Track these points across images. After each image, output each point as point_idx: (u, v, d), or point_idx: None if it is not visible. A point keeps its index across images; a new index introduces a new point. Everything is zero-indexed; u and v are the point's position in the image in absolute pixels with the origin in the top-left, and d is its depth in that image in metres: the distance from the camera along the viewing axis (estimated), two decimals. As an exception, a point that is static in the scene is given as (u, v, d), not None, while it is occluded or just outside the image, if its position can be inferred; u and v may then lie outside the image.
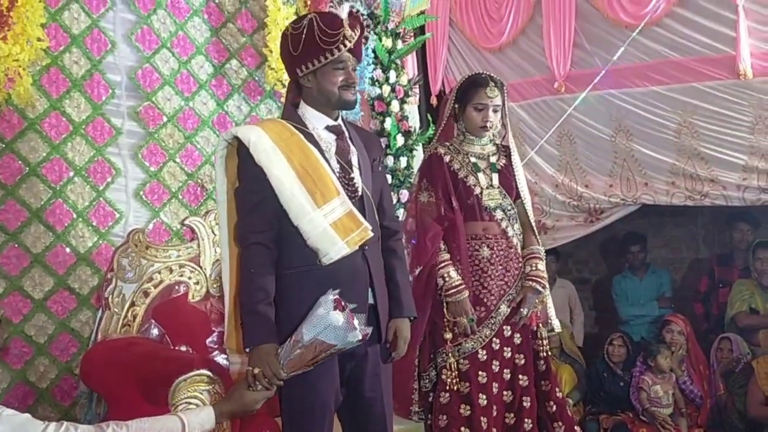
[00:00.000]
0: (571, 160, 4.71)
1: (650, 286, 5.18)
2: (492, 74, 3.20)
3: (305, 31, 2.33)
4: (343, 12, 2.38)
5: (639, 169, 4.41)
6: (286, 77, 3.89)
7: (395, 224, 2.64)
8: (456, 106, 3.18)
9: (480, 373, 3.04)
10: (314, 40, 2.32)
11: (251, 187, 2.32)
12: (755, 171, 3.95)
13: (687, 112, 4.13)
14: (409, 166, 4.49)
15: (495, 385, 3.06)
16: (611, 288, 5.33)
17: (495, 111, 3.12)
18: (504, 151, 3.26)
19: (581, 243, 5.28)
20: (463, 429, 2.99)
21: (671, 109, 4.18)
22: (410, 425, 3.10)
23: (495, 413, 3.05)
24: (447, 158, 3.16)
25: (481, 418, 3.00)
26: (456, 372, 3.02)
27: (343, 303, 2.22)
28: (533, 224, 3.26)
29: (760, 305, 4.51)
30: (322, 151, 2.39)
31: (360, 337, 2.23)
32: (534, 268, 3.14)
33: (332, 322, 2.19)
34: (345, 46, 2.34)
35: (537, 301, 3.15)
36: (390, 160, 4.40)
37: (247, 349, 2.27)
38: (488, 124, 3.11)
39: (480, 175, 3.15)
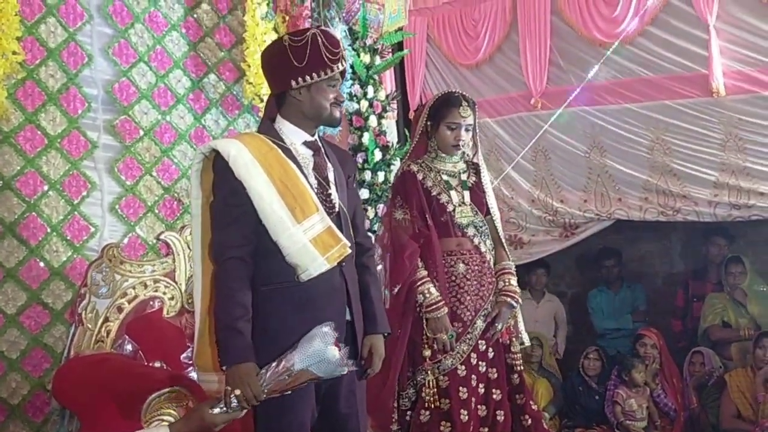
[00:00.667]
0: (546, 175, 4.76)
1: (625, 300, 5.23)
2: (464, 93, 3.23)
3: (310, 44, 2.34)
4: (338, 32, 2.41)
5: (613, 184, 4.47)
6: (264, 92, 3.95)
7: (368, 241, 2.65)
8: (429, 123, 3.20)
9: (460, 388, 3.05)
10: (319, 54, 2.33)
11: (229, 201, 2.30)
12: (726, 187, 4.02)
13: (659, 129, 4.19)
14: (386, 181, 4.50)
15: (473, 399, 3.07)
16: (587, 302, 5.38)
17: (467, 130, 3.15)
18: (473, 168, 3.30)
19: (558, 257, 5.32)
20: None
21: (644, 126, 4.25)
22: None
23: (471, 429, 3.06)
24: (420, 176, 3.18)
25: None
26: (436, 389, 3.02)
27: (336, 337, 2.22)
28: (503, 240, 3.30)
29: (732, 319, 4.57)
30: (300, 167, 2.39)
31: (345, 372, 2.25)
32: (507, 284, 3.18)
33: (328, 357, 2.19)
34: (342, 65, 2.39)
35: (510, 315, 3.18)
36: (368, 175, 4.42)
37: (224, 368, 2.21)
38: (461, 143, 3.15)
39: (452, 192, 3.17)
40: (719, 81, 3.91)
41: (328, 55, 2.34)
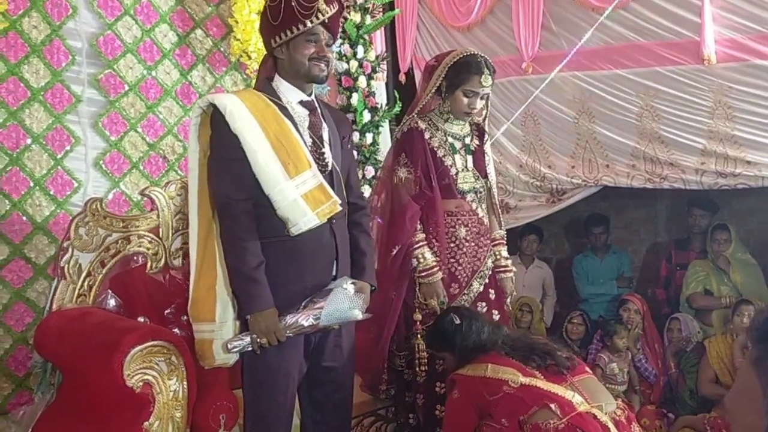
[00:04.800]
0: (534, 140, 4.74)
1: (610, 266, 5.26)
2: (486, 58, 3.06)
3: (283, 2, 2.36)
4: None
5: (601, 150, 4.46)
6: (251, 49, 3.90)
7: (362, 201, 2.70)
8: (444, 83, 3.07)
9: None
10: (290, 11, 2.35)
11: (228, 155, 2.34)
12: (713, 155, 4.02)
13: (649, 96, 4.16)
14: (375, 143, 4.49)
15: None
16: (572, 267, 5.41)
17: (482, 98, 3.07)
18: (477, 131, 3.25)
19: (544, 223, 5.33)
20: (439, 407, 3.01)
21: (634, 92, 4.21)
22: (366, 398, 3.12)
23: None
24: (427, 134, 3.10)
25: None
26: (425, 353, 3.01)
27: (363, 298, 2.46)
28: (497, 206, 3.29)
29: (714, 287, 4.60)
30: (295, 125, 2.43)
31: (360, 317, 2.43)
32: (498, 256, 3.22)
33: (352, 318, 2.41)
34: (318, 18, 2.36)
35: (512, 284, 3.25)
36: (356, 136, 4.39)
37: (248, 316, 2.31)
38: (473, 111, 3.08)
39: (456, 156, 3.13)
40: (711, 48, 3.87)
41: (300, 9, 2.34)
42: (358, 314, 2.40)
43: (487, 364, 2.59)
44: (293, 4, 2.34)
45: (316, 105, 2.53)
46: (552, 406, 2.42)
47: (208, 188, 2.42)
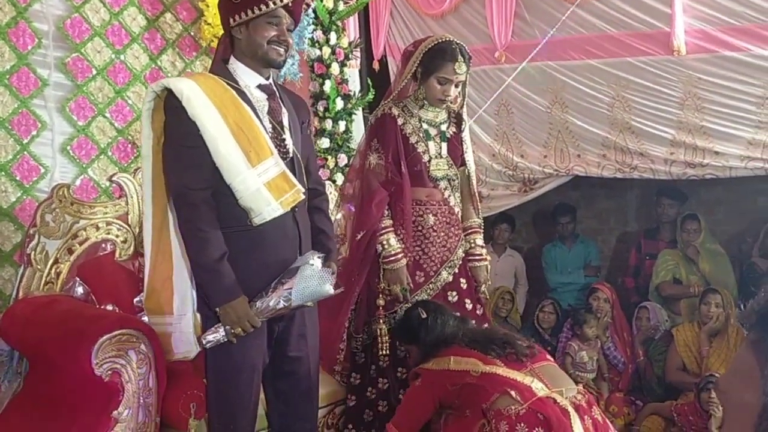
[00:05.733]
0: (508, 130, 4.76)
1: (578, 255, 5.32)
2: (461, 44, 3.04)
3: None
4: None
5: (573, 140, 4.49)
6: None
7: (321, 186, 2.67)
8: (419, 69, 3.04)
9: None
10: None
11: (186, 142, 2.25)
12: (682, 146, 4.07)
13: (621, 86, 4.20)
14: (348, 130, 4.46)
15: None
16: (541, 256, 5.46)
17: (457, 86, 3.05)
18: (455, 118, 3.23)
19: (515, 212, 5.37)
20: (402, 391, 3.01)
21: (605, 82, 4.25)
22: (334, 387, 3.12)
23: None
24: (400, 120, 3.09)
25: None
26: (386, 339, 3.01)
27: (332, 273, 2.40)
28: (475, 194, 3.28)
29: (683, 276, 4.67)
30: (255, 110, 2.36)
31: (332, 291, 2.37)
32: (473, 244, 3.21)
33: (324, 294, 2.35)
34: (281, 1, 2.30)
35: (486, 272, 3.24)
36: (328, 124, 4.36)
37: (218, 309, 2.25)
38: (447, 99, 3.06)
39: (430, 143, 3.11)
40: (681, 39, 3.92)
41: None
42: (330, 289, 2.34)
43: (450, 357, 2.63)
44: None
45: (275, 89, 2.46)
46: (512, 392, 2.45)
47: (164, 177, 2.32)
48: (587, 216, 5.67)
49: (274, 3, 2.29)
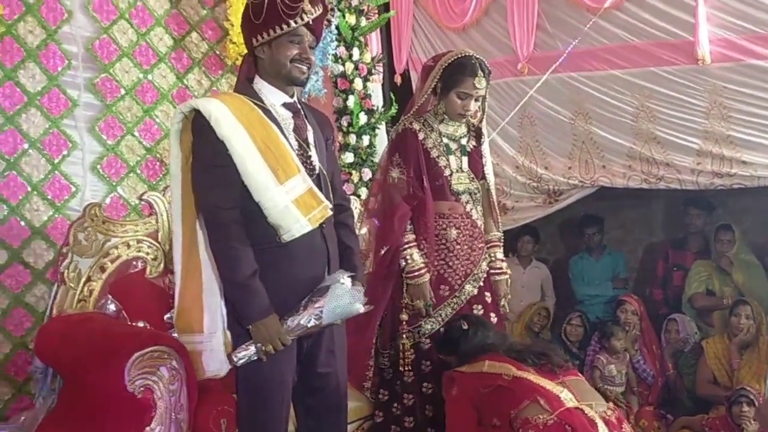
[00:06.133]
0: (531, 142, 4.75)
1: (606, 267, 5.27)
2: (481, 59, 3.06)
3: (266, 0, 2.31)
4: None
5: (597, 151, 4.47)
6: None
7: (346, 202, 2.68)
8: (439, 84, 3.07)
9: None
10: (274, 10, 2.30)
11: (214, 162, 2.28)
12: (709, 155, 4.03)
13: (644, 96, 4.18)
14: (371, 145, 4.49)
15: None
16: (568, 268, 5.42)
17: (477, 100, 3.06)
18: (474, 132, 3.24)
19: (541, 224, 5.34)
20: (428, 407, 3.02)
21: (629, 92, 4.23)
22: (363, 403, 3.12)
23: None
24: (421, 135, 3.10)
25: None
26: (411, 354, 3.02)
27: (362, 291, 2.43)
28: (495, 208, 3.29)
29: (716, 287, 4.61)
30: (280, 128, 2.38)
31: (362, 310, 2.40)
32: (493, 258, 3.21)
33: (354, 312, 2.38)
34: (303, 19, 2.33)
35: (507, 286, 3.24)
36: (352, 139, 4.39)
37: (250, 326, 2.26)
38: (468, 113, 3.08)
39: (451, 157, 3.13)
40: (705, 48, 3.89)
41: (284, 9, 2.30)
42: (360, 307, 2.37)
43: (485, 361, 2.67)
44: (278, 2, 2.29)
45: (299, 107, 2.49)
46: (541, 401, 2.46)
47: (193, 196, 2.34)
48: (613, 227, 5.62)
49: (296, 22, 2.31)
